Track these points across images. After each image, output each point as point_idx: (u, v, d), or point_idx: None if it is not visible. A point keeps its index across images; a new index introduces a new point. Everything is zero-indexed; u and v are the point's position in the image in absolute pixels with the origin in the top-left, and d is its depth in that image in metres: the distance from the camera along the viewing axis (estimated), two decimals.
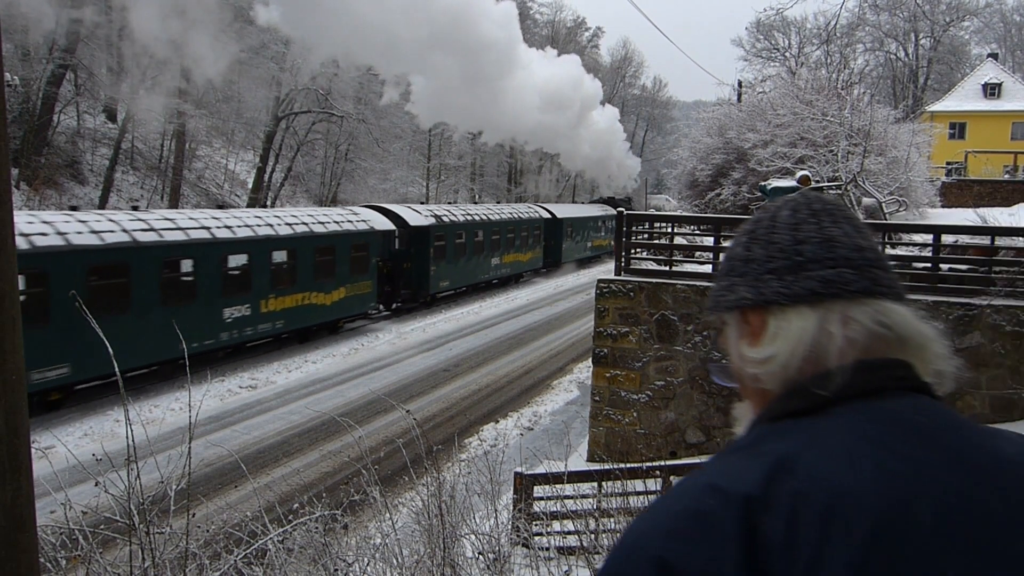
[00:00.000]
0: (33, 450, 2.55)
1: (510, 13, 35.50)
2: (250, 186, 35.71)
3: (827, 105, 19.79)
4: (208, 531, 4.84)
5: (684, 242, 14.86)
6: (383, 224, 23.17)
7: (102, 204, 26.71)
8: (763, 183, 17.02)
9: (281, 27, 27.49)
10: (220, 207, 22.26)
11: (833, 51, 50.96)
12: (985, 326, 9.83)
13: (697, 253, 14.16)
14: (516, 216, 33.34)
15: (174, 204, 29.79)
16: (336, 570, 4.30)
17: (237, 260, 16.86)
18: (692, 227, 18.40)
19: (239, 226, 17.21)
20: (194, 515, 4.12)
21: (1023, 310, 9.74)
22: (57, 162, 27.18)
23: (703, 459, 8.35)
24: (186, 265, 15.58)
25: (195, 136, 32.93)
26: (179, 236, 15.47)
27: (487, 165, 60.77)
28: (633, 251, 12.21)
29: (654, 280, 11.35)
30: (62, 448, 8.97)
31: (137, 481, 3.77)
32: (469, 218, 29.23)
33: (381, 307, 23.49)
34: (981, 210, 16.18)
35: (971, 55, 60.97)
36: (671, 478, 7.32)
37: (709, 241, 13.90)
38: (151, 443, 4.26)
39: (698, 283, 11.13)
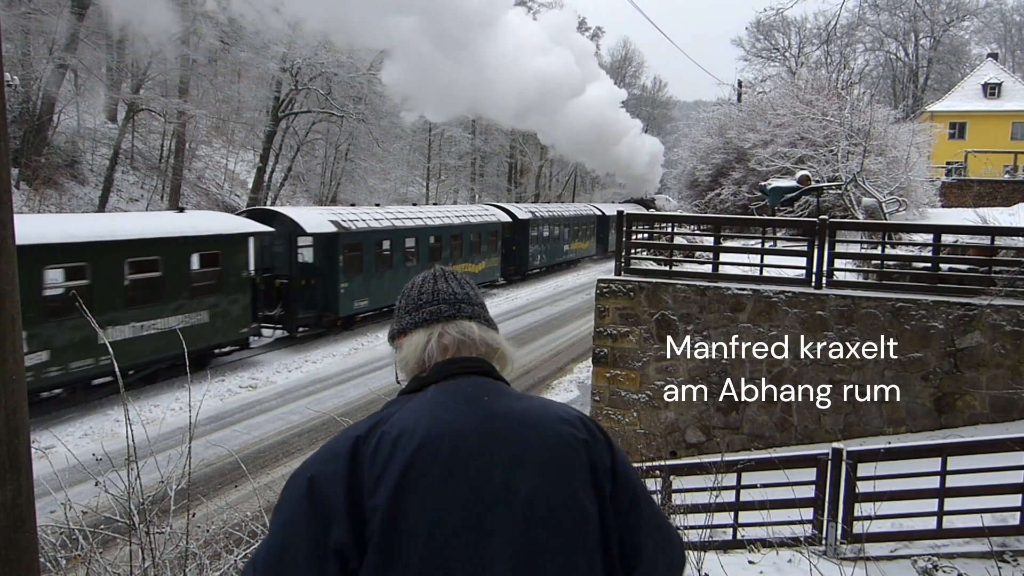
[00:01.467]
0: (33, 450, 2.55)
1: None
2: (250, 186, 35.71)
3: (827, 105, 19.79)
4: (208, 531, 4.83)
5: (684, 242, 14.84)
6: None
7: (102, 204, 26.72)
8: (763, 183, 17.03)
9: None
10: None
11: (833, 51, 50.99)
12: (985, 326, 9.83)
13: (697, 253, 14.15)
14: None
15: (174, 204, 29.80)
16: None
17: (411, 241, 24.26)
18: (692, 227, 18.40)
19: (424, 217, 25.60)
20: (194, 515, 4.12)
21: (1023, 310, 9.74)
22: (57, 162, 27.18)
23: (703, 459, 8.35)
24: (410, 242, 24.21)
25: (195, 136, 32.94)
26: (409, 224, 24.24)
27: (487, 165, 60.77)
28: (633, 251, 12.21)
29: (654, 280, 11.34)
30: (62, 448, 8.97)
31: (137, 481, 3.77)
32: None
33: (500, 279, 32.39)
34: (981, 210, 16.17)
35: (971, 55, 60.94)
36: (671, 478, 7.32)
37: (709, 241, 13.90)
38: (151, 443, 4.26)
39: (698, 283, 11.13)
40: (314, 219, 20.06)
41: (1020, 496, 6.54)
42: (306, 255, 19.89)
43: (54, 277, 12.85)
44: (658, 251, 13.21)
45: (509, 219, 33.15)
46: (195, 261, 15.89)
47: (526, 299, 29.63)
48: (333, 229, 20.08)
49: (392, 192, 46.82)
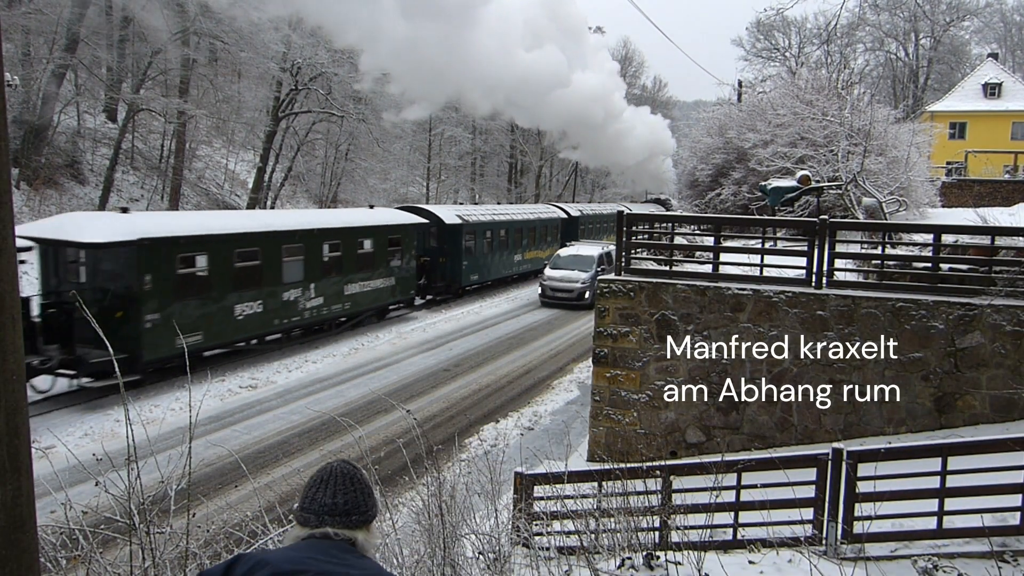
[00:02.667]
0: (33, 450, 2.55)
1: None
2: (250, 186, 35.70)
3: (827, 105, 19.79)
4: (208, 531, 4.83)
5: (684, 242, 14.84)
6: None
7: (102, 204, 26.71)
8: (763, 183, 17.03)
9: None
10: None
11: (833, 51, 50.99)
12: (985, 326, 9.83)
13: (697, 253, 14.15)
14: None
15: (174, 204, 29.79)
16: None
17: (503, 232, 31.20)
18: (692, 227, 18.40)
19: (514, 214, 33.03)
20: (194, 515, 4.12)
21: (1023, 310, 9.74)
22: (57, 162, 27.17)
23: (703, 459, 8.34)
24: (502, 233, 31.13)
25: (195, 136, 32.94)
26: (502, 219, 31.26)
27: (487, 165, 60.77)
28: (633, 251, 12.20)
29: (654, 280, 11.34)
30: (62, 448, 8.98)
31: (137, 481, 3.77)
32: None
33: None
34: (981, 210, 16.17)
35: (971, 55, 60.94)
36: (671, 478, 7.32)
37: (709, 241, 13.89)
38: (151, 443, 4.27)
39: (698, 283, 11.13)
40: (447, 213, 27.58)
41: (1020, 496, 6.54)
42: (440, 240, 26.94)
43: (328, 250, 19.99)
44: (658, 251, 13.20)
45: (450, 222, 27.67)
46: (388, 243, 22.65)
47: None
48: (459, 221, 27.40)
49: (392, 192, 46.83)
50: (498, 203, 41.85)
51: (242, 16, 28.28)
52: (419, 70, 29.99)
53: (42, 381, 14.05)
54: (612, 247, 24.87)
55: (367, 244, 21.51)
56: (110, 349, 4.28)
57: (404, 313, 24.38)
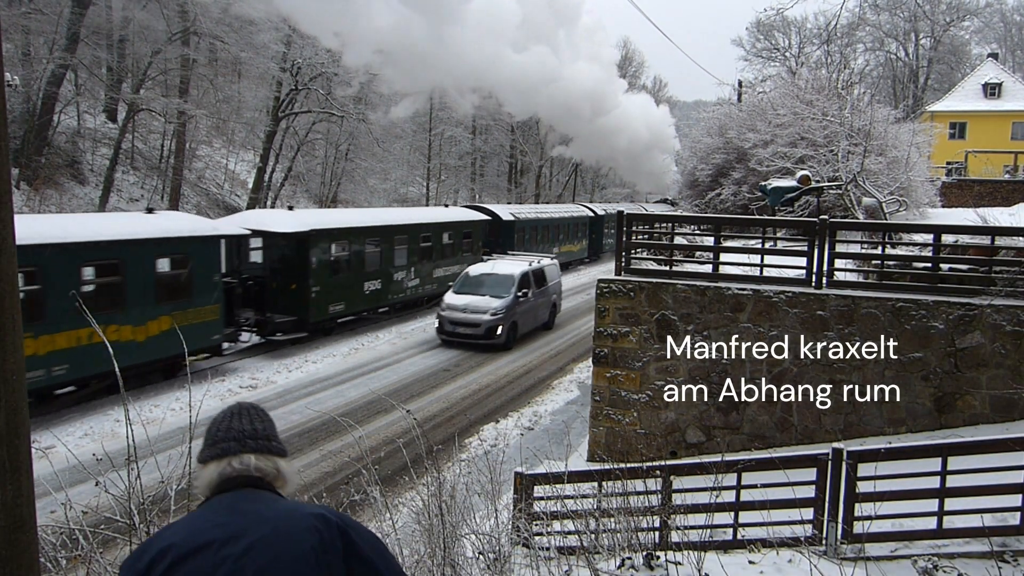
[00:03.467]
0: (33, 450, 2.55)
1: None
2: (250, 186, 35.70)
3: (827, 105, 19.79)
4: None
5: (684, 242, 14.83)
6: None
7: (102, 204, 26.71)
8: (763, 183, 17.02)
9: None
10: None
11: (833, 51, 50.99)
12: (985, 326, 9.83)
13: (697, 253, 14.14)
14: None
15: (174, 204, 29.79)
16: None
17: (541, 227, 35.96)
18: (692, 227, 18.39)
19: (552, 213, 38.36)
20: None
21: (1023, 310, 9.74)
22: (57, 162, 27.17)
23: (703, 459, 8.34)
24: (544, 228, 36.29)
25: (195, 136, 32.93)
26: (544, 217, 36.51)
27: (487, 165, 60.76)
28: (633, 251, 12.20)
29: (654, 280, 11.34)
30: (62, 448, 8.97)
31: (137, 481, 3.77)
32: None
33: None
34: (981, 210, 16.16)
35: (971, 55, 60.95)
36: (671, 478, 7.32)
37: (709, 241, 13.89)
38: (151, 443, 4.26)
39: (698, 283, 11.13)
40: (503, 211, 33.28)
41: (1020, 496, 6.54)
42: (497, 234, 31.70)
43: (422, 241, 24.18)
44: (658, 251, 13.20)
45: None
46: (463, 235, 27.15)
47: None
48: (512, 218, 33.01)
49: (392, 192, 46.83)
50: (536, 203, 49.13)
51: (241, 15, 28.24)
52: (403, 62, 30.28)
53: (243, 337, 18.30)
54: (546, 261, 23.00)
55: (448, 236, 26.02)
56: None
57: None
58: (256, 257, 19.27)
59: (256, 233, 18.58)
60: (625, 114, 49.34)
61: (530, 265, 21.69)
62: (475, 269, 21.61)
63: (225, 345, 16.66)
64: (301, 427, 13.34)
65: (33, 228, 12.40)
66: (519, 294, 20.33)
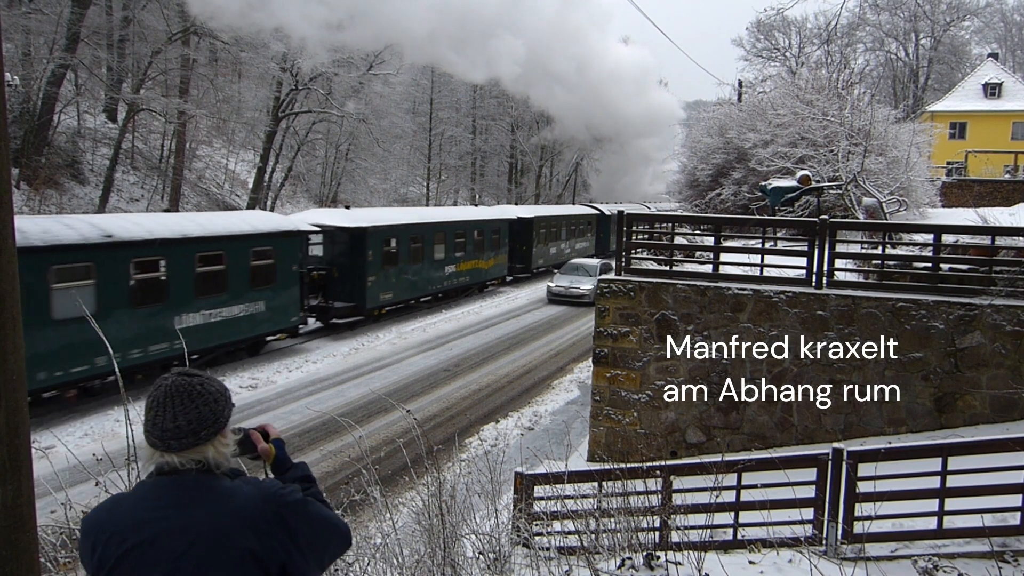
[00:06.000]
0: (33, 450, 2.55)
1: None
2: (250, 186, 35.69)
3: (827, 105, 19.77)
4: None
5: (684, 242, 14.83)
6: None
7: (102, 204, 26.71)
8: (763, 183, 17.02)
9: None
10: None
11: (833, 51, 50.94)
12: (985, 326, 9.83)
13: (697, 253, 14.14)
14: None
15: (174, 204, 29.80)
16: (336, 570, 4.30)
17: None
18: (692, 227, 18.38)
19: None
20: None
21: (1023, 310, 9.73)
22: (57, 162, 27.17)
23: (704, 459, 8.34)
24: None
25: (195, 136, 32.93)
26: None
27: (487, 165, 60.75)
28: (633, 251, 12.20)
29: (654, 280, 11.34)
30: (62, 448, 8.97)
31: (138, 480, 3.76)
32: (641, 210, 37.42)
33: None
34: (981, 210, 16.14)
35: (971, 55, 60.94)
36: (671, 478, 7.31)
37: (709, 241, 13.88)
38: None
39: (698, 283, 11.13)
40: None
41: (1021, 496, 6.54)
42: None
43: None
44: (658, 251, 13.19)
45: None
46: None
47: None
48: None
49: (392, 192, 46.83)
50: (536, 203, 51.73)
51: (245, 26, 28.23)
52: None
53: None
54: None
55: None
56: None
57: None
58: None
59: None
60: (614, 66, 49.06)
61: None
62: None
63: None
64: (301, 427, 13.34)
65: (461, 214, 28.17)
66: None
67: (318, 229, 20.64)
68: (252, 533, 1.91)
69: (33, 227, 12.47)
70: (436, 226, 25.92)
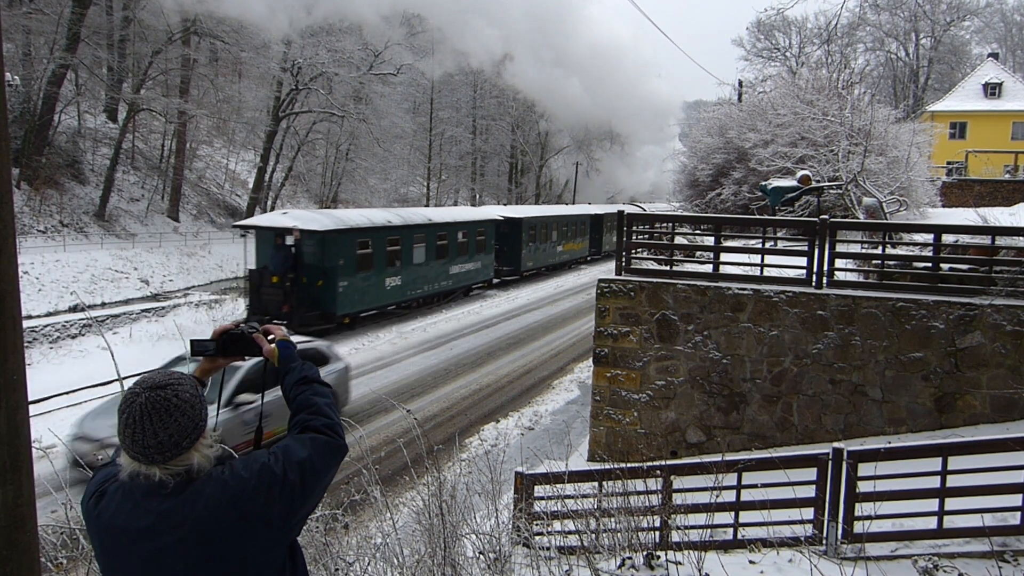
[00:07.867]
0: (34, 450, 2.55)
1: None
2: (251, 186, 35.69)
3: (828, 105, 19.76)
4: None
5: (684, 242, 14.82)
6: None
7: (102, 204, 26.71)
8: (763, 183, 17.01)
9: None
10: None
11: (834, 51, 50.92)
12: (986, 326, 9.83)
13: (698, 253, 14.13)
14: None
15: (175, 204, 29.79)
16: (337, 570, 4.30)
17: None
18: (692, 227, 18.37)
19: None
20: None
21: (1023, 310, 9.74)
22: (58, 162, 27.17)
23: (704, 459, 8.34)
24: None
25: (195, 136, 32.92)
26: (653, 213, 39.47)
27: (487, 165, 60.75)
28: (633, 251, 12.20)
29: (655, 280, 11.34)
30: (62, 448, 8.97)
31: None
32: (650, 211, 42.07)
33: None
34: (982, 210, 16.14)
35: (972, 55, 60.96)
36: (672, 478, 7.31)
37: (710, 241, 13.88)
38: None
39: (699, 283, 11.13)
40: (601, 208, 44.74)
41: (1021, 496, 6.53)
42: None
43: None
44: (658, 251, 13.19)
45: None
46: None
47: None
48: (611, 212, 41.86)
49: (392, 192, 46.81)
50: (536, 203, 54.88)
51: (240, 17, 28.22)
52: None
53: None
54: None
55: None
56: None
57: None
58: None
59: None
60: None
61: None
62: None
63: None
64: None
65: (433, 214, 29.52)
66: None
67: (503, 219, 31.85)
68: (240, 519, 1.97)
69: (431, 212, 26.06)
70: (561, 220, 37.73)
